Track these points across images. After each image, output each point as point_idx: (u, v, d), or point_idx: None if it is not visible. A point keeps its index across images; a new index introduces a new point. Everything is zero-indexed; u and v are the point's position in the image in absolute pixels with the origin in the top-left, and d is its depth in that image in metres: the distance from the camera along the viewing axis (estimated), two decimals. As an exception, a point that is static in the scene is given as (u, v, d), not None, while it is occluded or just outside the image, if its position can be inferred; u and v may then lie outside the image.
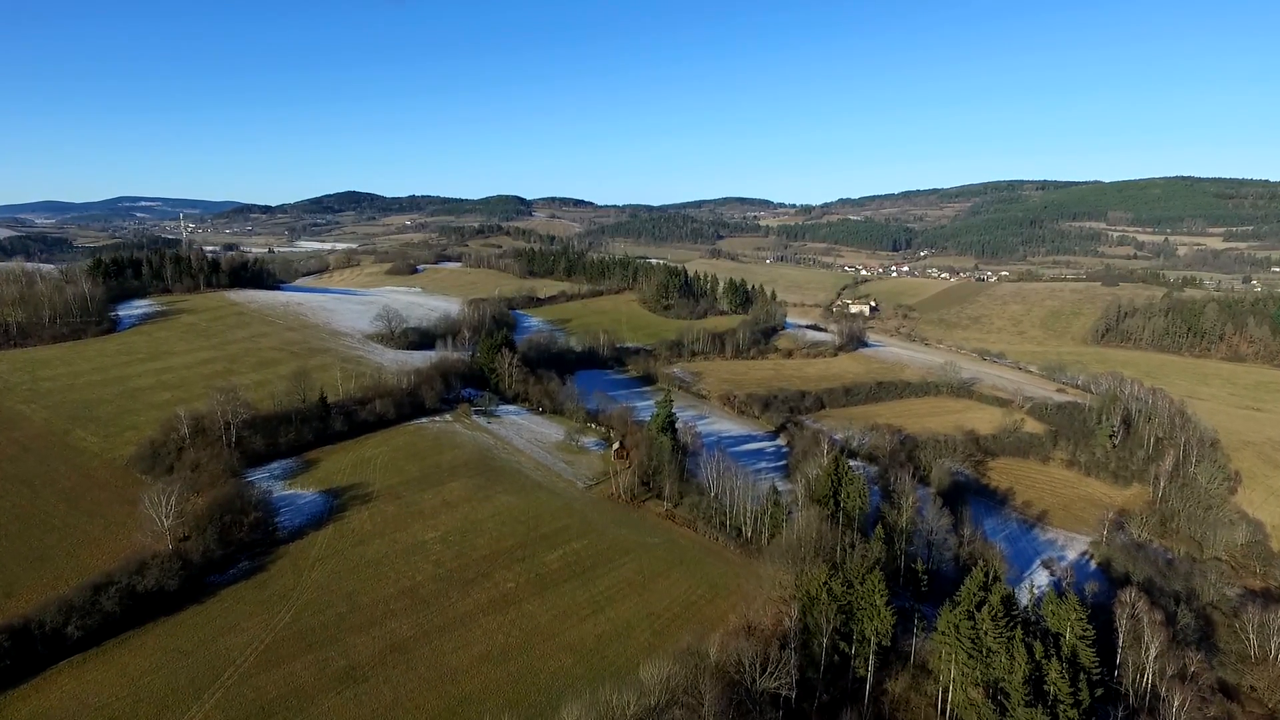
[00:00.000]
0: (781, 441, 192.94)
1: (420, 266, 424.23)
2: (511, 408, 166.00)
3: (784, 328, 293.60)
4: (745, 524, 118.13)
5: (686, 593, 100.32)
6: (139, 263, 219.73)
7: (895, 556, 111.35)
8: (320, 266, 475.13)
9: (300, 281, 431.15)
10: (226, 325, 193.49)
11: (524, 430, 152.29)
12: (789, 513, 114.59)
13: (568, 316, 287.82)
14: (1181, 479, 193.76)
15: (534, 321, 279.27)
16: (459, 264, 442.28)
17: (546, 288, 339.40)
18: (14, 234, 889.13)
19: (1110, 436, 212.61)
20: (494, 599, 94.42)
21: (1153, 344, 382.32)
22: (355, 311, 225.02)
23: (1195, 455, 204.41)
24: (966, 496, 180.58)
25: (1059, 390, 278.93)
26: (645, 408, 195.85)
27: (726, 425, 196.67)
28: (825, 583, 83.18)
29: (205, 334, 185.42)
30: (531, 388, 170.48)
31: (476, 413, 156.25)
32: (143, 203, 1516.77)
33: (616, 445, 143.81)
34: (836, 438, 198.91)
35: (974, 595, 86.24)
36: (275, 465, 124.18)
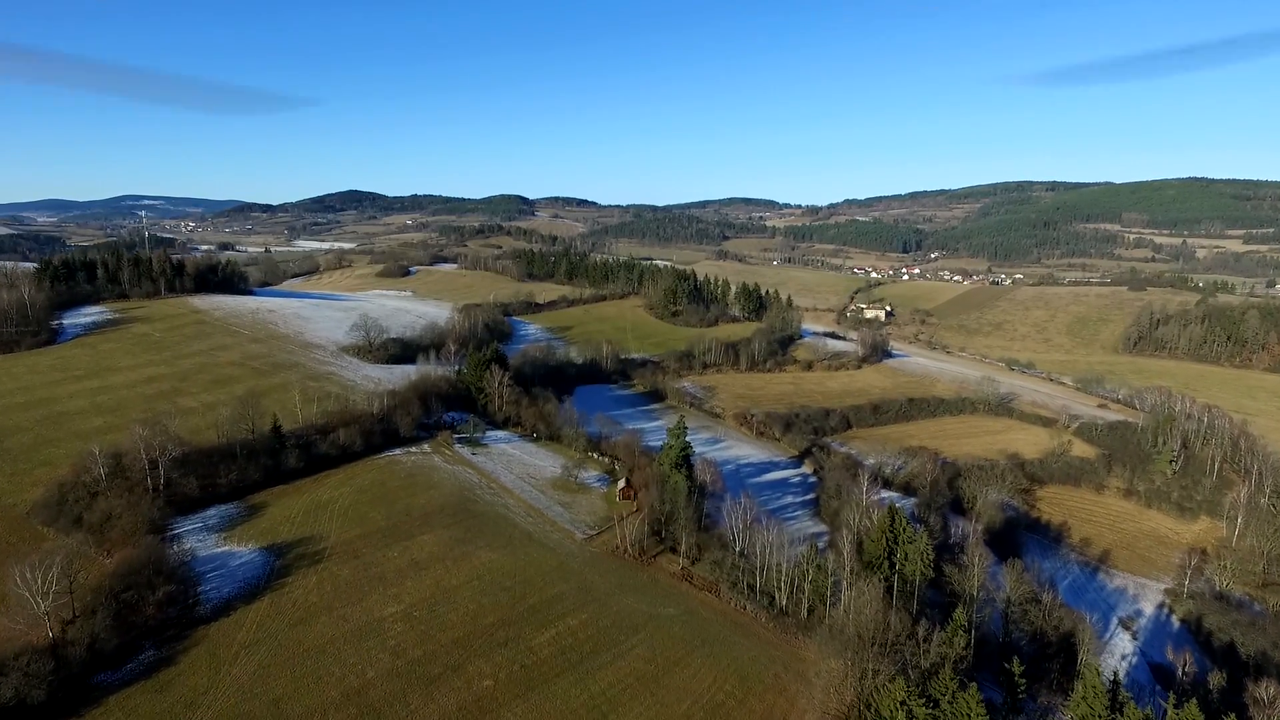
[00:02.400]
0: (807, 469, 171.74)
1: (413, 268, 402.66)
2: (501, 434, 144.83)
3: (801, 336, 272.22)
4: (779, 588, 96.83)
5: (711, 688, 79.05)
6: (93, 265, 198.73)
7: (965, 632, 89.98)
8: (310, 268, 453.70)
9: (288, 283, 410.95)
10: (184, 336, 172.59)
11: (514, 463, 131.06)
12: (834, 579, 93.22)
13: (568, 324, 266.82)
14: (1259, 513, 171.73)
15: (532, 329, 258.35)
16: (454, 265, 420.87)
17: (546, 292, 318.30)
18: (10, 232, 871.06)
19: (1170, 462, 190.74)
20: (465, 704, 73.22)
21: (1190, 353, 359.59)
22: (333, 319, 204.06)
23: (1269, 484, 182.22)
24: (1018, 533, 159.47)
25: (1101, 406, 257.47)
26: (653, 430, 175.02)
27: (744, 450, 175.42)
28: (903, 703, 61.83)
29: (157, 346, 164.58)
30: (524, 410, 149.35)
31: (459, 441, 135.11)
32: (145, 201, 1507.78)
33: (622, 484, 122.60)
34: (868, 464, 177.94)
35: (1095, 715, 64.85)
36: (211, 512, 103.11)
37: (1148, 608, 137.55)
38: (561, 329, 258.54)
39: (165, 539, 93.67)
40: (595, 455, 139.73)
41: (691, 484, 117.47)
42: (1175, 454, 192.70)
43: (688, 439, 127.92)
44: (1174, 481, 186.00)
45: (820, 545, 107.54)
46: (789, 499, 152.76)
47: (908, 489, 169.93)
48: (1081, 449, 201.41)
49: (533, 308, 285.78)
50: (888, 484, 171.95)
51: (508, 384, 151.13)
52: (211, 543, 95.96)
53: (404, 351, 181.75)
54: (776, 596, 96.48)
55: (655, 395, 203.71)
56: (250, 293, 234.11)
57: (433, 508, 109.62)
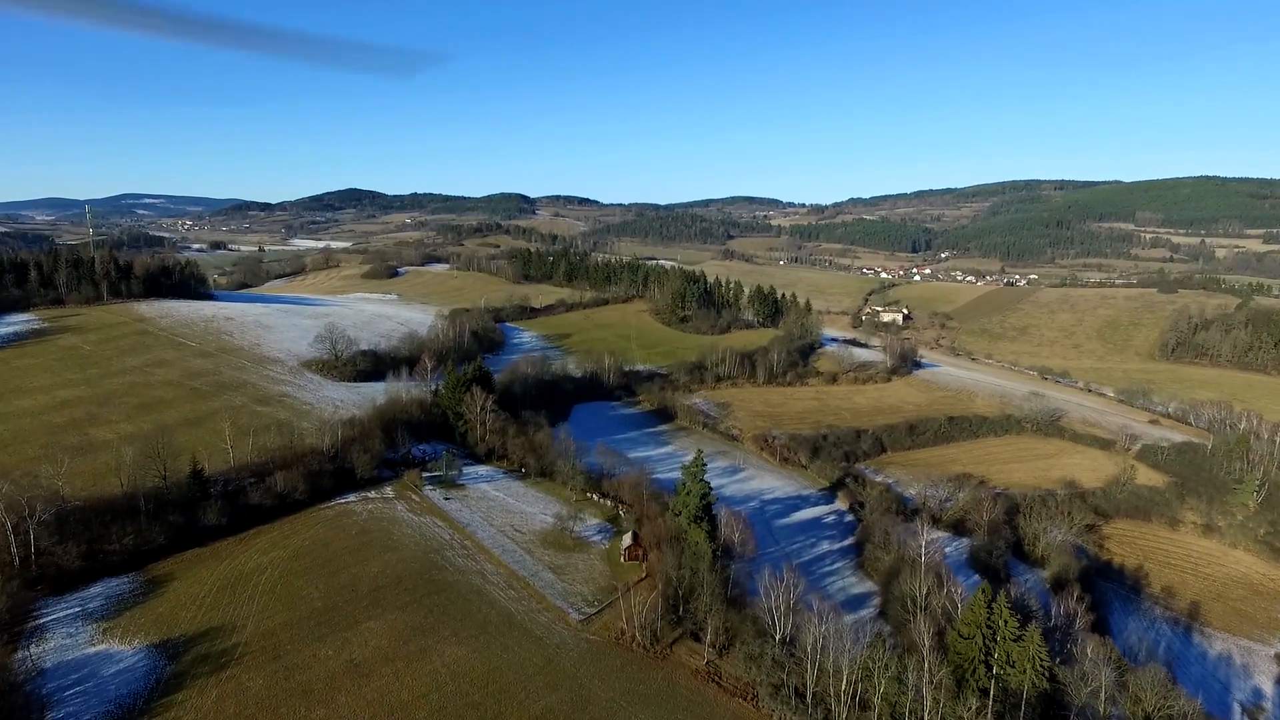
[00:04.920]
0: (841, 505, 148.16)
1: (402, 269, 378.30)
2: (483, 470, 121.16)
3: (822, 344, 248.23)
4: (837, 698, 73.00)
5: None
6: (24, 266, 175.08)
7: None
8: (297, 268, 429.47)
9: (269, 285, 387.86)
10: (119, 349, 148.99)
11: (496, 510, 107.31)
12: (915, 692, 69.36)
13: (567, 331, 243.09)
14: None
15: (526, 336, 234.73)
16: (446, 266, 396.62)
17: (543, 295, 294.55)
18: (1, 230, 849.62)
19: (1254, 492, 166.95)
20: None
21: (1234, 361, 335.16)
22: (300, 329, 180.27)
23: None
24: (1094, 582, 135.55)
25: (1152, 422, 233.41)
26: (663, 458, 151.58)
27: (768, 481, 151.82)
28: None
29: (84, 362, 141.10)
30: (511, 440, 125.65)
31: (431, 482, 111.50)
32: (146, 200, 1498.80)
33: (628, 540, 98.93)
34: (909, 497, 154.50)
35: None
36: (95, 590, 79.51)
37: (1264, 683, 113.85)
38: (559, 337, 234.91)
39: (20, 636, 70.31)
40: (595, 497, 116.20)
41: (715, 544, 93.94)
42: (1259, 483, 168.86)
43: (708, 481, 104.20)
44: (1259, 516, 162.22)
45: (883, 630, 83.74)
46: (825, 545, 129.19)
47: (959, 528, 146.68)
48: (1146, 475, 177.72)
49: (528, 313, 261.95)
50: (934, 521, 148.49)
51: (492, 409, 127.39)
52: (84, 639, 72.33)
53: (375, 366, 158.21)
54: (834, 709, 72.70)
55: (664, 414, 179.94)
56: (211, 297, 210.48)
57: (387, 579, 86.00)
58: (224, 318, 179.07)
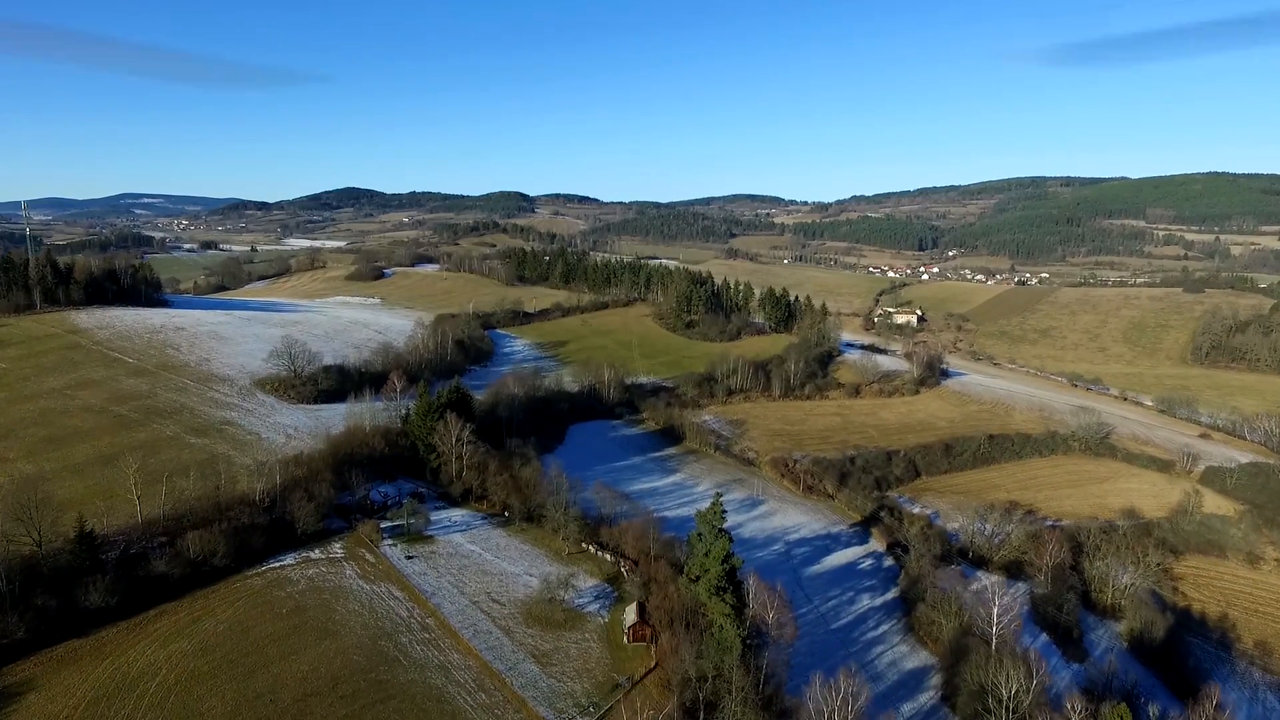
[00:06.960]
0: (878, 545, 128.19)
1: (389, 270, 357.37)
2: (457, 515, 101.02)
3: (840, 351, 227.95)
4: None
5: None
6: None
7: None
8: (281, 269, 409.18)
9: (249, 287, 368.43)
10: (40, 367, 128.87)
11: (470, 571, 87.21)
12: None
13: (563, 338, 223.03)
14: None
15: (518, 345, 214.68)
16: (436, 266, 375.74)
17: (538, 298, 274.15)
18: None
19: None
20: None
21: (1273, 365, 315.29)
22: (260, 339, 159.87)
23: None
24: (1179, 638, 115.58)
25: (1202, 435, 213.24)
26: (671, 490, 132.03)
27: (792, 517, 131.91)
28: None
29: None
30: (492, 478, 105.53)
31: (391, 534, 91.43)
32: (144, 199, 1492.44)
33: (633, 616, 78.89)
34: (954, 533, 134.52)
35: None
36: (-80, 711, 59.54)
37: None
38: (555, 345, 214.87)
39: None
40: (592, 548, 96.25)
41: (742, 625, 73.77)
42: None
43: (723, 513, 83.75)
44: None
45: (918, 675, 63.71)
46: (864, 601, 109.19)
47: (1012, 570, 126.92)
48: (1214, 502, 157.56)
49: (521, 318, 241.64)
50: (981, 562, 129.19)
51: (470, 440, 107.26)
52: (-119, 793, 52.39)
53: (342, 384, 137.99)
54: None
55: (671, 435, 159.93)
56: (165, 303, 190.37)
57: (321, 682, 65.88)
58: (174, 328, 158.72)
